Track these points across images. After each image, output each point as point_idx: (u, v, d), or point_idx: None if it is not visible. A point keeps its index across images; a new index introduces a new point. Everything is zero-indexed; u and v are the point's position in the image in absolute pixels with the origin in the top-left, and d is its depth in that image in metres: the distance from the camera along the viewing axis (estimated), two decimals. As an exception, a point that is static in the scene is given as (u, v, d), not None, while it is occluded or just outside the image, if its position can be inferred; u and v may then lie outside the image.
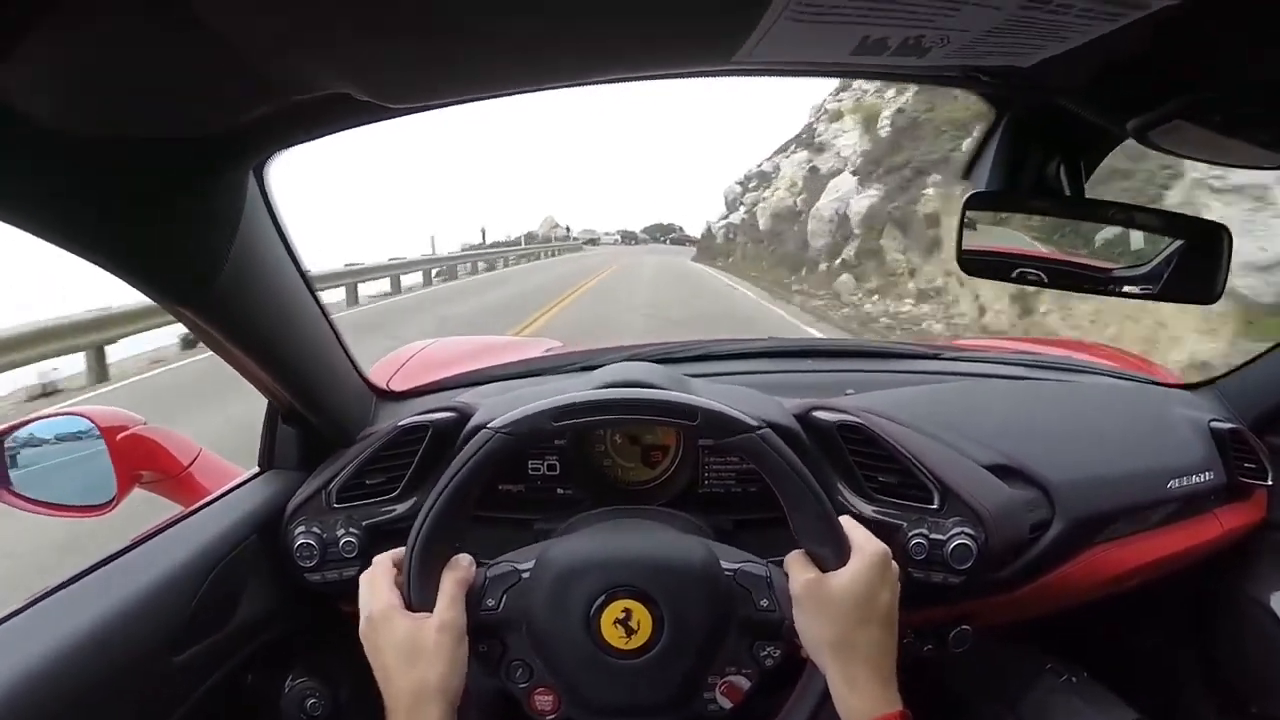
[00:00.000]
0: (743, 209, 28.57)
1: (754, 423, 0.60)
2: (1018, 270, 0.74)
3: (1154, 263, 0.74)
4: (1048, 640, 1.06)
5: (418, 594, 0.61)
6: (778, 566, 0.64)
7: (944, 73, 0.52)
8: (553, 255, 38.92)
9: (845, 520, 0.62)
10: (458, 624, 0.61)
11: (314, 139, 0.60)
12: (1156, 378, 1.20)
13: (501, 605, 0.64)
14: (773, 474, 0.60)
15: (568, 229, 70.79)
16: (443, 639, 0.60)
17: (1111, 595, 0.97)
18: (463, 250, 30.41)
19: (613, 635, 0.61)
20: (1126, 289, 0.77)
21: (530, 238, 58.26)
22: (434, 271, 18.98)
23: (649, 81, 0.48)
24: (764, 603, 0.63)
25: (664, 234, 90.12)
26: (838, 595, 0.58)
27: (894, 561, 0.62)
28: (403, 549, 0.65)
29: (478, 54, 0.41)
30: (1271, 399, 1.05)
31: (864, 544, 0.61)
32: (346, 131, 0.59)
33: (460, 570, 0.63)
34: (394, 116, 0.56)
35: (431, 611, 0.61)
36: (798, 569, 0.61)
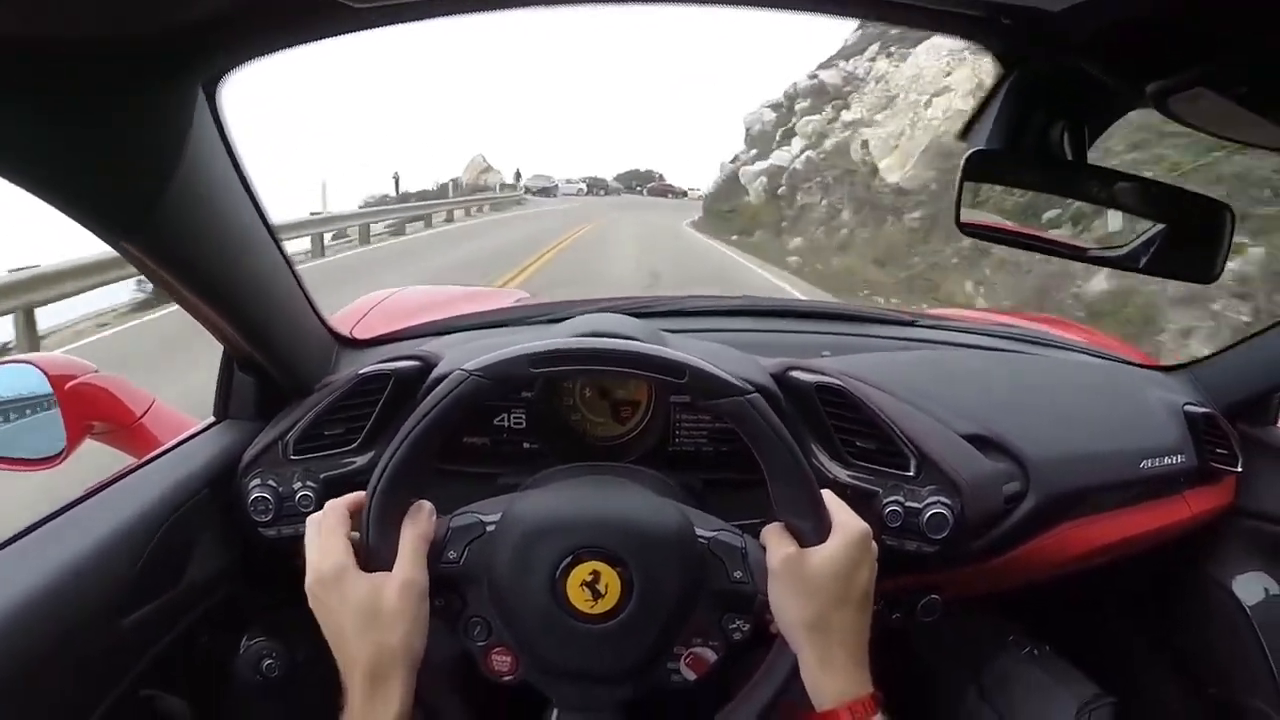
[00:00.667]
0: (799, 144, 16.57)
1: (743, 386, 0.57)
2: (1020, 241, 0.73)
3: (1145, 236, 0.73)
4: (1014, 614, 1.07)
5: (375, 545, 0.58)
6: (754, 538, 0.62)
7: (968, 10, 0.49)
8: (445, 221, 20.19)
9: (826, 494, 0.60)
10: (420, 583, 0.58)
11: (269, 52, 0.54)
12: (1131, 358, 1.21)
13: (463, 558, 0.61)
14: (757, 441, 0.58)
15: (516, 174, 49.40)
16: (406, 598, 0.56)
17: (1079, 571, 0.98)
18: (364, 205, 22.61)
19: (578, 597, 0.58)
20: (1114, 263, 0.76)
21: (447, 189, 37.22)
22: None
23: (646, 5, 0.44)
24: (737, 574, 0.61)
25: (641, 183, 67.29)
26: (817, 572, 0.56)
27: (874, 541, 0.61)
28: (358, 494, 0.61)
29: None
30: (1245, 387, 1.06)
31: (846, 521, 0.59)
32: (311, 43, 0.54)
33: (421, 524, 0.59)
34: (362, 28, 0.51)
35: (389, 567, 0.57)
36: (776, 542, 0.58)
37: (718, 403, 0.57)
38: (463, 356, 0.74)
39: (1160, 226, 0.71)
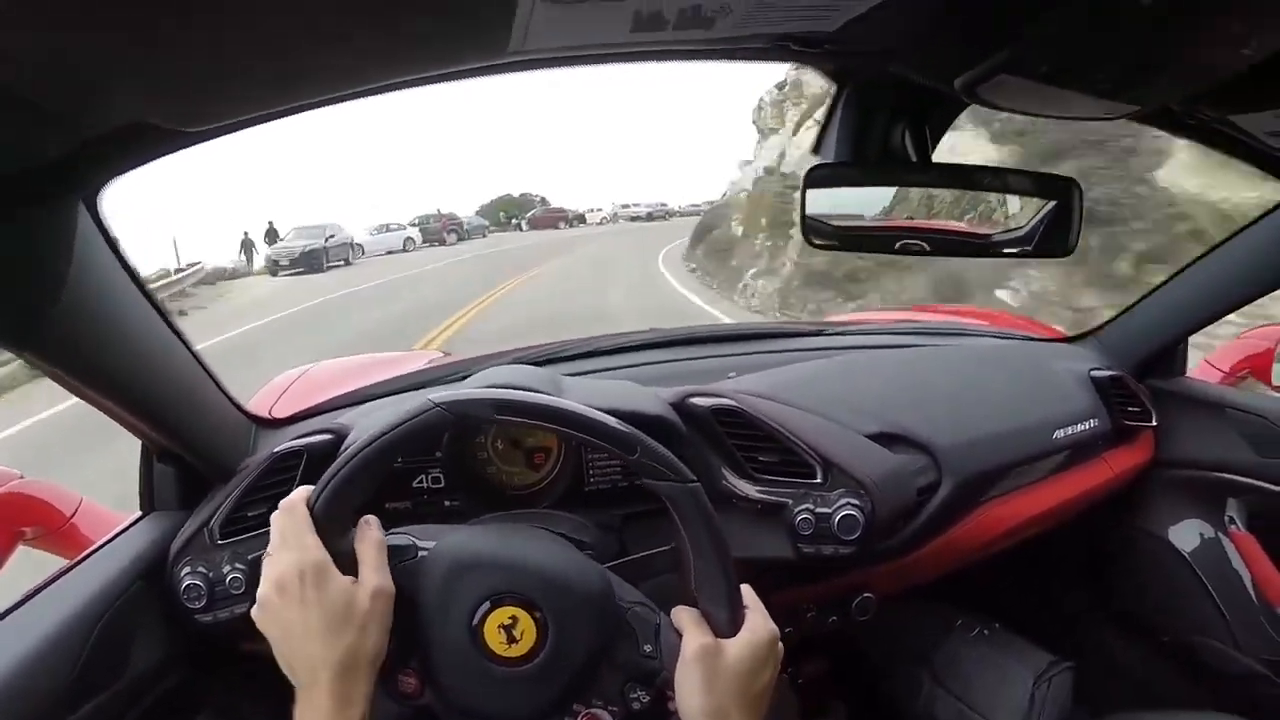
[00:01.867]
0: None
1: (687, 473, 0.59)
2: (900, 242, 0.76)
3: (1030, 223, 0.77)
4: (959, 598, 1.09)
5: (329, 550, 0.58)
6: (668, 616, 0.63)
7: (750, 44, 0.51)
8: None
9: (745, 590, 0.62)
10: (390, 590, 0.59)
11: (135, 168, 0.57)
12: (1035, 333, 1.24)
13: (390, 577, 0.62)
14: (690, 529, 0.59)
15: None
16: (377, 605, 0.57)
17: (1015, 546, 1.00)
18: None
19: (494, 639, 0.59)
20: (1006, 250, 0.79)
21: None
22: None
23: (435, 84, 0.47)
24: (647, 648, 0.61)
25: (515, 213, 44.23)
26: (725, 667, 0.58)
27: (780, 643, 0.62)
28: (301, 491, 0.61)
29: (243, 66, 0.39)
30: (1149, 345, 1.10)
31: (759, 623, 0.61)
32: (159, 159, 0.57)
33: (375, 532, 0.61)
34: (200, 141, 0.53)
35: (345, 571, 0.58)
36: (693, 630, 0.59)
37: (660, 484, 0.59)
38: (374, 424, 0.75)
39: (1050, 206, 0.74)
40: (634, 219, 37.65)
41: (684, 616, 0.61)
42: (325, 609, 0.56)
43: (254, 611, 0.58)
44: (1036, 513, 0.96)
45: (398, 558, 0.62)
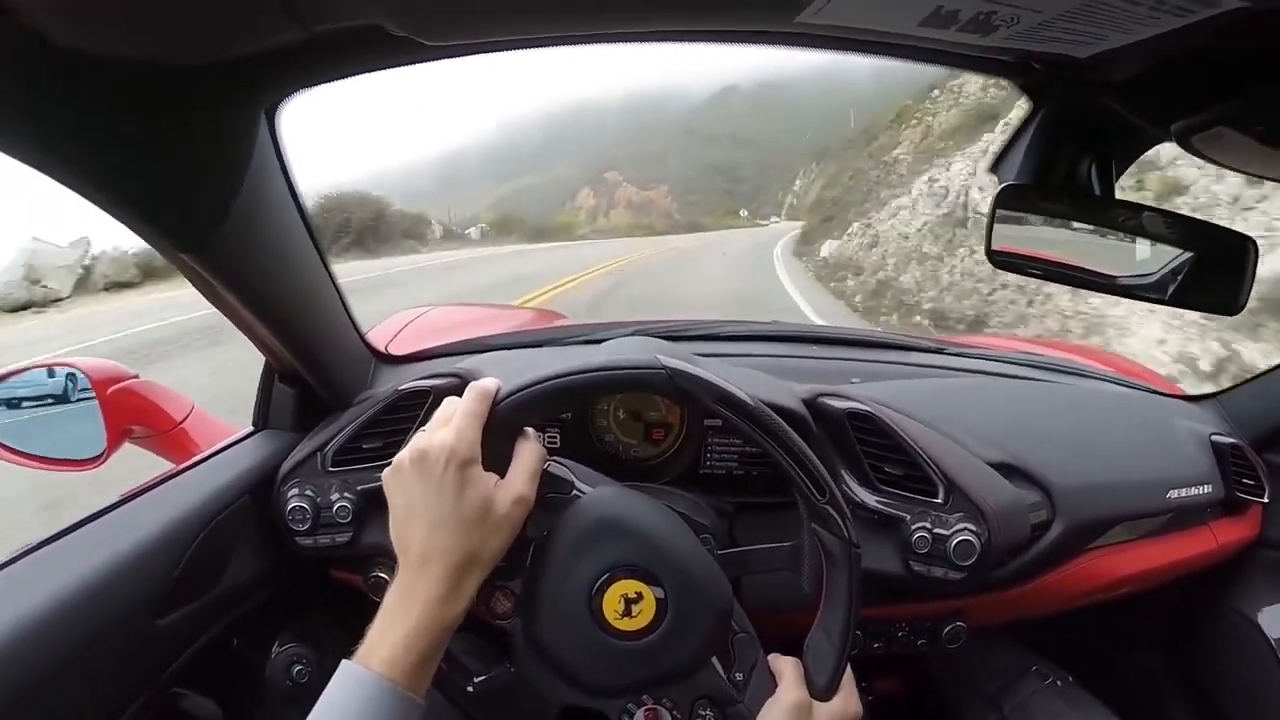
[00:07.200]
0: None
1: (858, 539, 0.58)
2: (1044, 269, 0.74)
3: (1165, 269, 0.74)
4: (1038, 642, 1.06)
5: (490, 450, 0.57)
6: (765, 654, 0.63)
7: (999, 56, 0.50)
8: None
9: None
10: (530, 501, 0.57)
11: (335, 79, 0.57)
12: (1158, 387, 1.21)
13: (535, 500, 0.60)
14: (835, 586, 0.58)
15: None
16: (514, 512, 0.56)
17: (1104, 602, 0.97)
18: None
19: (612, 605, 0.58)
20: (1141, 293, 0.77)
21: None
22: None
23: (708, 42, 0.45)
24: (738, 676, 0.62)
25: None
26: None
27: None
28: (494, 381, 0.59)
29: None
30: (1272, 417, 1.05)
31: (850, 701, 0.62)
32: (371, 73, 0.56)
33: (537, 446, 0.59)
34: (429, 59, 0.53)
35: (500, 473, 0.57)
36: (793, 681, 0.60)
37: (828, 538, 0.58)
38: (502, 375, 0.76)
39: (1186, 256, 0.72)
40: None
41: (787, 666, 0.62)
42: (460, 504, 0.54)
43: (385, 472, 0.58)
44: (1137, 571, 0.93)
45: (553, 488, 0.61)
